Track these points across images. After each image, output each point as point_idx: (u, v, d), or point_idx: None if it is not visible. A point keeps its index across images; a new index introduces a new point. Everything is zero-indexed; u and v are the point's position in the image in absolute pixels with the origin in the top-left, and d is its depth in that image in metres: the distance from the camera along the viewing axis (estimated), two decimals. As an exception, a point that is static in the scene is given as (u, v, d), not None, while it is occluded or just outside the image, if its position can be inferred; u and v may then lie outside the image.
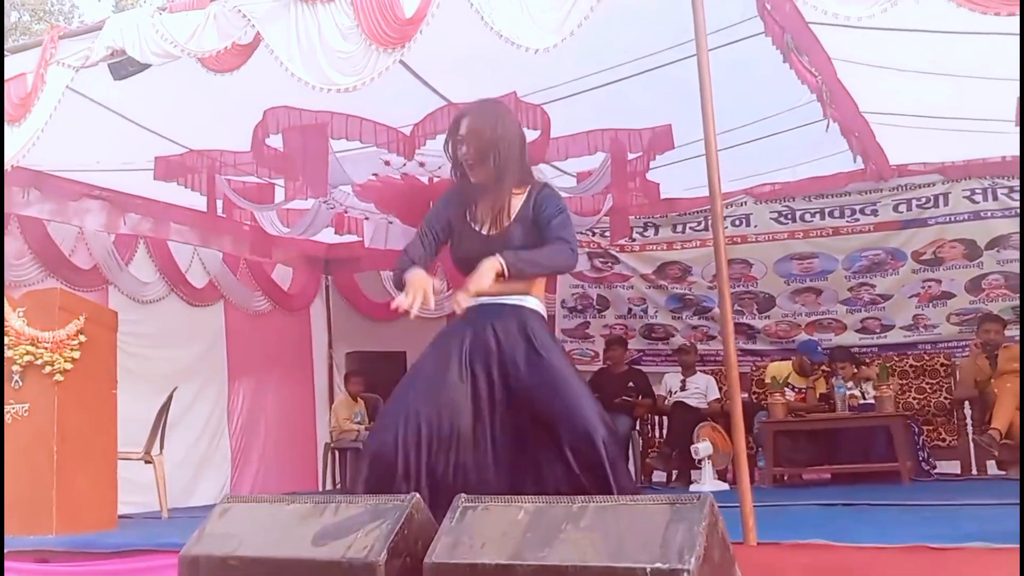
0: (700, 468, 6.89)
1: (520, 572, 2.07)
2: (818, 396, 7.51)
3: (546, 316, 3.25)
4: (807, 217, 8.29)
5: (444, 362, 3.02)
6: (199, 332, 8.24)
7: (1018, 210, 7.57)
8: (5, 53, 4.93)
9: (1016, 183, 7.53)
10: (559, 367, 3.00)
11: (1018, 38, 4.15)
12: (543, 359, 2.99)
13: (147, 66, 4.58)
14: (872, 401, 6.87)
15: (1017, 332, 7.48)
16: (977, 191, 7.75)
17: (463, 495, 2.36)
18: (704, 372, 8.25)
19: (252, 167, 6.21)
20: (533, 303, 3.15)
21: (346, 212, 7.66)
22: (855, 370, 7.29)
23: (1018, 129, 5.69)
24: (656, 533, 2.07)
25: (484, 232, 3.14)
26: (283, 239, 8.20)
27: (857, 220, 8.16)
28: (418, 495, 2.31)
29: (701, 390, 7.99)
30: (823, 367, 7.67)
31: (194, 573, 2.37)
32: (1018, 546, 3.09)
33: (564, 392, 2.93)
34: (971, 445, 7.04)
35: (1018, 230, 7.60)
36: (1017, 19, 3.94)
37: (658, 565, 2.00)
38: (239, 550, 2.33)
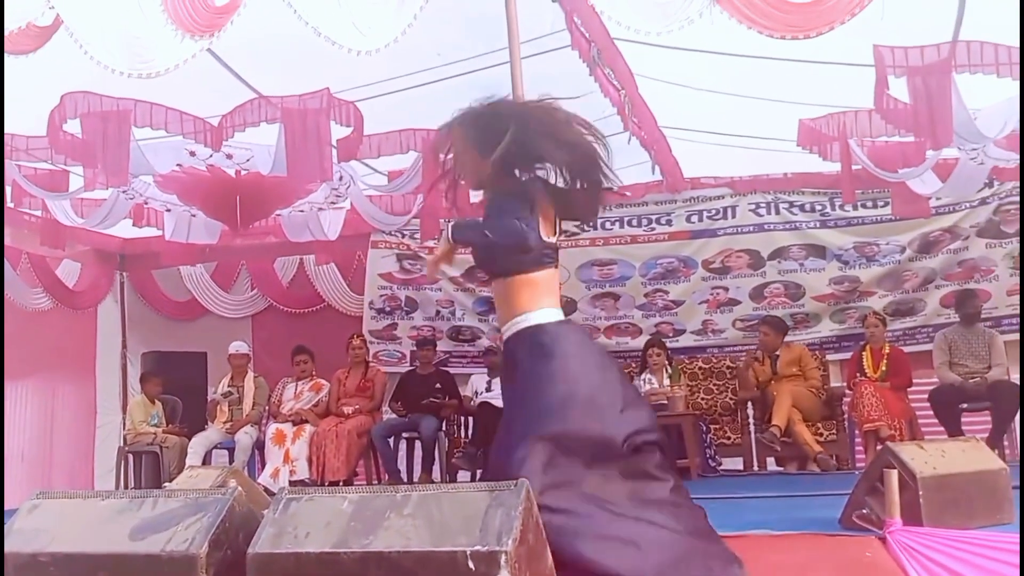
0: (503, 466, 7.00)
1: (344, 559, 2.10)
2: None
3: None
4: (608, 225, 8.61)
5: None
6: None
7: (797, 224, 8.19)
8: None
9: (796, 199, 8.19)
10: None
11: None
12: None
13: (-67, 42, 4.29)
14: (665, 401, 7.23)
15: (799, 338, 8.06)
16: (761, 205, 8.31)
17: (286, 488, 2.37)
18: (508, 373, 8.40)
19: (46, 153, 5.88)
20: None
21: (146, 203, 7.34)
22: (667, 361, 7.67)
23: (804, 150, 6.20)
24: (476, 518, 2.15)
25: None
26: (76, 231, 7.76)
27: (653, 229, 8.57)
28: (240, 488, 2.31)
29: (505, 391, 8.15)
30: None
31: None
32: (797, 532, 3.42)
33: None
34: (753, 442, 7.49)
35: (796, 243, 8.23)
36: (800, 44, 4.31)
37: (478, 548, 2.08)
38: (50, 546, 2.24)
